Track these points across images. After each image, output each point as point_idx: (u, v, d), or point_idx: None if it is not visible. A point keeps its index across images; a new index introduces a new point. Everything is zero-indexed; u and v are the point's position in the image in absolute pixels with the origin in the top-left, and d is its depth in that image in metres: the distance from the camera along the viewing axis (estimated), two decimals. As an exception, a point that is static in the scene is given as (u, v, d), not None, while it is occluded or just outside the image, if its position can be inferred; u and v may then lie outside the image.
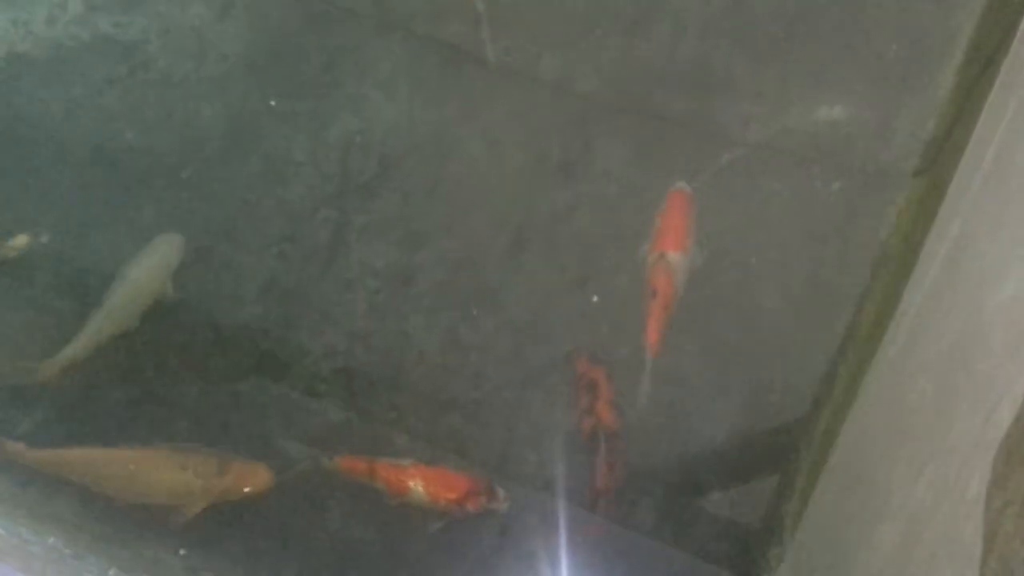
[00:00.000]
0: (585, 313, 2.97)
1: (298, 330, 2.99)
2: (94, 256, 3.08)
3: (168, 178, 3.14)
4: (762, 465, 2.82)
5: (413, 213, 3.11)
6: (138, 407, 2.90)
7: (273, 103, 3.22)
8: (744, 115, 3.10)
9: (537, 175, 3.13)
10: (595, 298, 2.98)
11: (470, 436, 2.88)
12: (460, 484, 2.68)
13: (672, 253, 2.78)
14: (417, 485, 2.68)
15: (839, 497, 2.55)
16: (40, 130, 3.22)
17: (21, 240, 3.03)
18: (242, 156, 3.15)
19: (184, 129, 3.20)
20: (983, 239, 2.24)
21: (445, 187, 3.14)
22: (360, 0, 3.33)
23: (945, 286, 2.39)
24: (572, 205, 3.09)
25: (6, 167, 3.19)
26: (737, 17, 3.17)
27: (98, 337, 2.85)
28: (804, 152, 3.05)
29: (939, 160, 2.89)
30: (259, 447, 2.77)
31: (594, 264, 3.00)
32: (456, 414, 2.90)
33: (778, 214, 2.99)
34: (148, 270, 2.96)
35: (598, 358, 2.85)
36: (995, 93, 2.67)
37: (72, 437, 2.77)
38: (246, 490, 2.63)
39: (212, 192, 3.14)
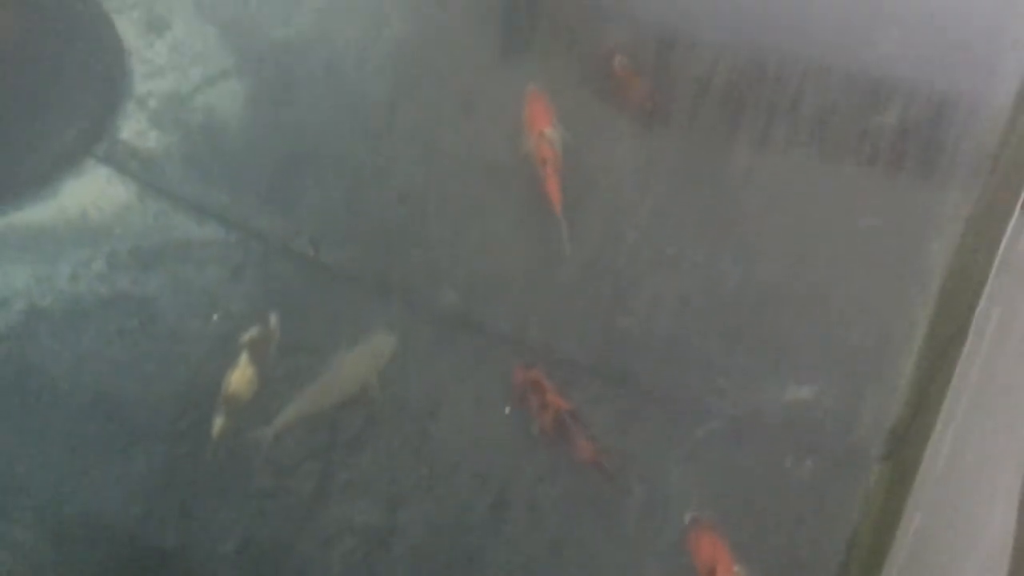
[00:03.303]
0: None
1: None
2: (80, 506, 3.11)
3: (164, 430, 3.22)
4: None
5: (396, 471, 3.16)
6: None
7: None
8: (718, 390, 3.22)
9: (520, 437, 3.21)
10: None
11: None
12: None
13: (547, 129, 3.49)
14: None
15: None
16: (46, 378, 3.34)
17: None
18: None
19: (185, 383, 3.32)
20: (942, 531, 2.27)
21: (429, 446, 3.21)
22: (362, 268, 3.57)
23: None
24: (553, 469, 3.15)
25: (6, 413, 3.30)
26: (707, 297, 3.36)
27: (302, 412, 3.18)
28: (775, 430, 3.13)
29: (903, 446, 2.96)
30: None
31: (574, 528, 3.00)
32: None
33: (753, 490, 3.03)
34: (357, 361, 3.26)
35: (530, 363, 3.22)
36: (954, 382, 2.80)
37: None
38: None
39: (204, 447, 3.20)
